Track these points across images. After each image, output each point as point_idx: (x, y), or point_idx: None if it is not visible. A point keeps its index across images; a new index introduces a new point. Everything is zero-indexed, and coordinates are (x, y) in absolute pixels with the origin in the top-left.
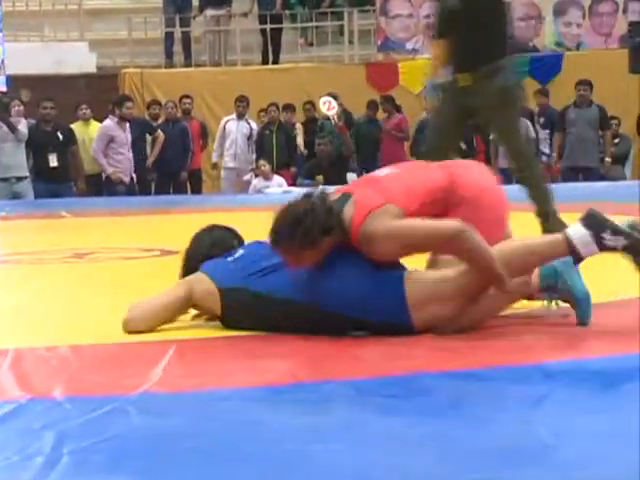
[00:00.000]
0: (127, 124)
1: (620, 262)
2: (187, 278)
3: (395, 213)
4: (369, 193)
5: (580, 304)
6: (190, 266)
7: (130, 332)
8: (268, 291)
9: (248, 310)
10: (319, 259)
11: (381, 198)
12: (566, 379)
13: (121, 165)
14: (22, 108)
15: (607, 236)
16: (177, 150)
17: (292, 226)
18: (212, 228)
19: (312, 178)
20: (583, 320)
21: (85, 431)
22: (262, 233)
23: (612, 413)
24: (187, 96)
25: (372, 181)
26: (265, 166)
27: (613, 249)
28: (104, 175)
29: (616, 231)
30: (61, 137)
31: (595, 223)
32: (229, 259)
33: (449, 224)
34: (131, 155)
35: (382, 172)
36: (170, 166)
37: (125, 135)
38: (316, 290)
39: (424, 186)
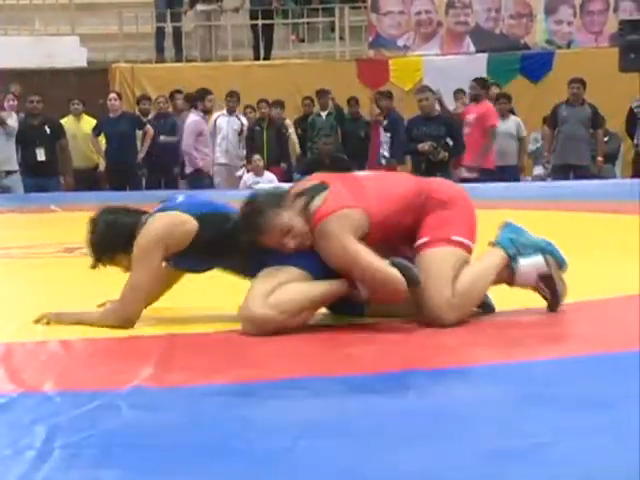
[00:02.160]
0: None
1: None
2: (154, 231)
3: (357, 221)
4: (343, 191)
5: (550, 250)
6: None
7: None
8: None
9: (218, 239)
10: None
11: (352, 200)
12: (554, 376)
13: (208, 158)
14: (15, 102)
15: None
16: None
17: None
18: (109, 210)
19: (309, 174)
20: (561, 261)
21: (76, 425)
22: None
23: (602, 410)
24: (178, 91)
25: (350, 179)
26: (260, 161)
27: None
28: (190, 169)
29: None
30: (49, 131)
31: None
32: (177, 201)
33: (397, 275)
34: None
35: (360, 173)
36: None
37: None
38: None
39: (398, 192)
